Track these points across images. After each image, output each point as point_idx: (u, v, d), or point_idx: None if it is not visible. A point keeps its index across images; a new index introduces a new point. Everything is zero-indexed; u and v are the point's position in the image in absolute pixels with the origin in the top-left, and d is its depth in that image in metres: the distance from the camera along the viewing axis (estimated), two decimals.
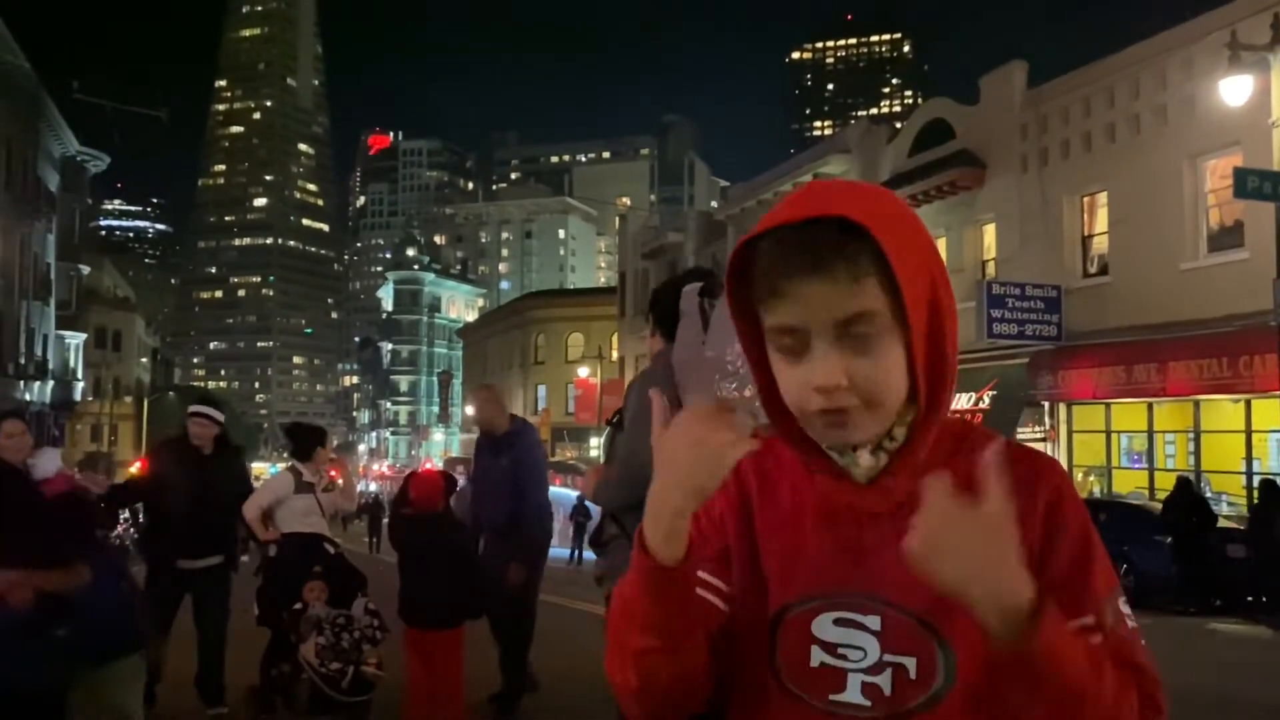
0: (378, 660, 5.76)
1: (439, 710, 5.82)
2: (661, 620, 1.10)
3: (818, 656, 1.15)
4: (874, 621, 1.14)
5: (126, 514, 24.03)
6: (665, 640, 1.10)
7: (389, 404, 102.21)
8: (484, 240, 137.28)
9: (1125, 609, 1.13)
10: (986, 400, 20.42)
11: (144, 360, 68.40)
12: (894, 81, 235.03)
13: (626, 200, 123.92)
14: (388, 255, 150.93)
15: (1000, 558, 0.97)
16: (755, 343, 1.15)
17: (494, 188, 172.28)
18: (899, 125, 26.78)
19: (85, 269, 51.44)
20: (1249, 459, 16.59)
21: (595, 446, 41.74)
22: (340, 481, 7.12)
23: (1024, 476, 1.12)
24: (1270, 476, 14.75)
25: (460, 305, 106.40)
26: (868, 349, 1.09)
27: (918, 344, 1.10)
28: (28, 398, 38.78)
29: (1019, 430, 19.89)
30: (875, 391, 1.09)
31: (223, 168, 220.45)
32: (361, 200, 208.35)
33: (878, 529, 1.15)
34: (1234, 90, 14.55)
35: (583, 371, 47.06)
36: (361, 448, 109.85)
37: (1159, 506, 15.78)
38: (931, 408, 1.13)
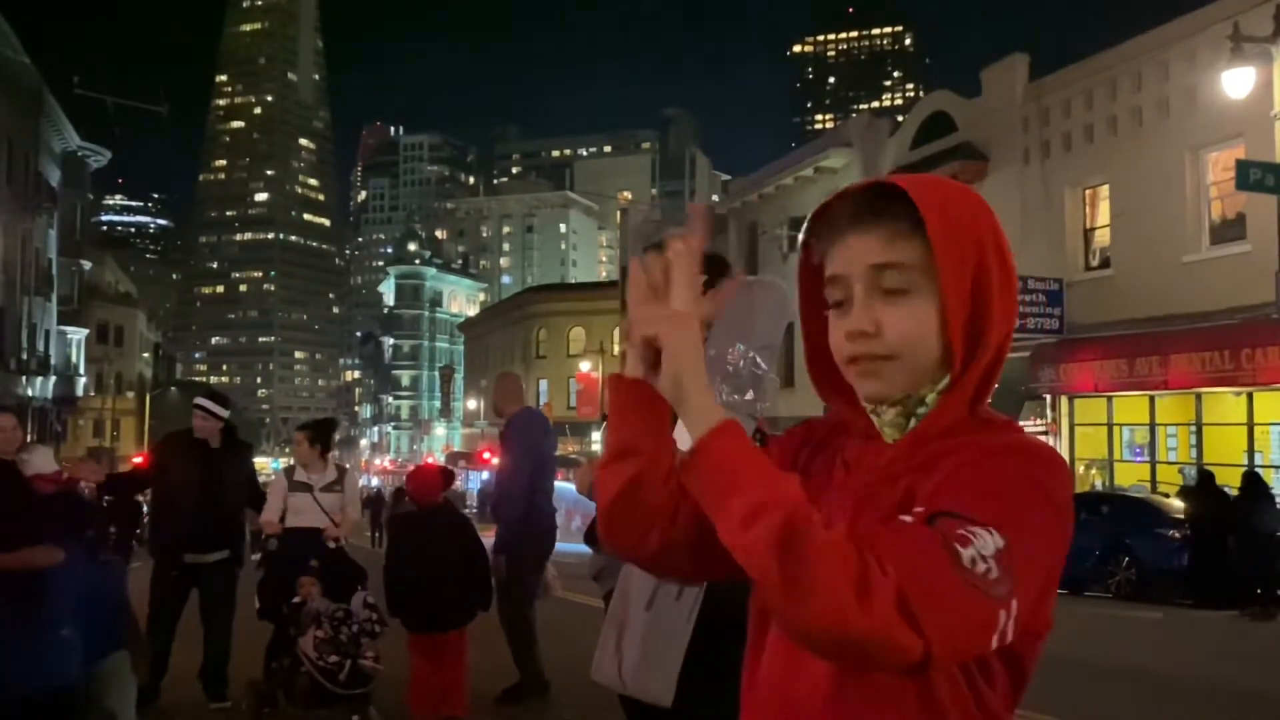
0: (376, 654, 5.77)
1: (444, 704, 5.82)
2: (633, 429, 1.22)
3: None
4: None
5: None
6: (636, 447, 1.21)
7: (390, 399, 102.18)
8: (485, 235, 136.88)
9: (979, 546, 1.00)
10: None
11: (145, 355, 68.47)
12: (896, 74, 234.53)
13: (628, 194, 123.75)
14: (389, 250, 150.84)
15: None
16: (818, 308, 1.25)
17: (495, 182, 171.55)
18: (901, 118, 26.74)
19: (87, 264, 51.40)
20: (1250, 452, 16.58)
21: (597, 441, 41.72)
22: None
23: (997, 452, 1.11)
24: (1254, 469, 14.68)
25: (462, 300, 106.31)
26: (900, 301, 1.16)
27: (954, 309, 1.14)
28: (29, 393, 38.79)
29: (1020, 424, 19.87)
30: (901, 344, 1.16)
31: (223, 163, 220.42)
32: (362, 195, 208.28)
33: (862, 475, 1.21)
34: (1236, 82, 14.53)
35: (584, 366, 47.06)
36: (363, 442, 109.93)
37: (1161, 499, 15.76)
38: (962, 379, 1.16)
